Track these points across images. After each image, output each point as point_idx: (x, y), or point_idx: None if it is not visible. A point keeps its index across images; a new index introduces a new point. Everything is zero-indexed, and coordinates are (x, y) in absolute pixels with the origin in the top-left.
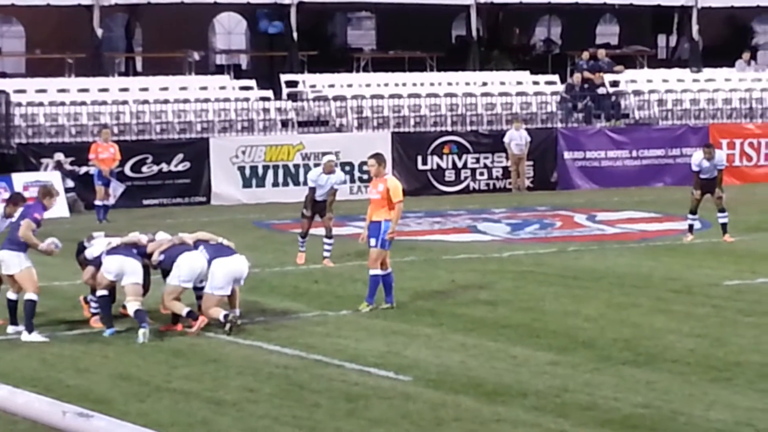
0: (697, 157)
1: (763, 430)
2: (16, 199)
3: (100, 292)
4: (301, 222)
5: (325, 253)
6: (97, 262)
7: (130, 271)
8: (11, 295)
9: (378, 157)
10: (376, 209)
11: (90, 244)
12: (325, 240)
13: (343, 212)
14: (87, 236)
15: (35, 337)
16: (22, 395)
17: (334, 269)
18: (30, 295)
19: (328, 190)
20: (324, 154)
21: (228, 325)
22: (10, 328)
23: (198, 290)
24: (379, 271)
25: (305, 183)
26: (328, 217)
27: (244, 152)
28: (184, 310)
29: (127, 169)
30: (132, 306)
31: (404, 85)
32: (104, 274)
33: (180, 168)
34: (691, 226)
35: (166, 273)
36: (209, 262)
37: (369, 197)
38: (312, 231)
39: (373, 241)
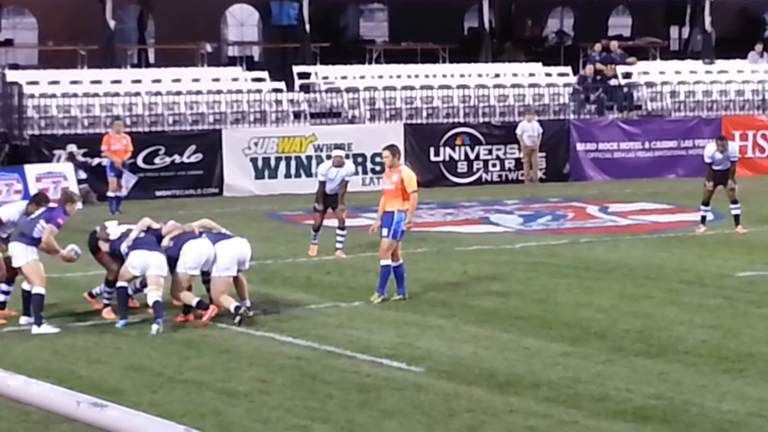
0: (710, 149)
1: None
2: (39, 200)
3: (120, 284)
4: (314, 215)
5: (338, 245)
6: (114, 249)
7: (155, 264)
8: (26, 286)
9: (392, 148)
10: (390, 200)
11: (105, 233)
12: (338, 231)
13: (355, 203)
14: (100, 226)
15: (45, 329)
16: (36, 385)
17: (347, 260)
18: (37, 289)
19: (338, 183)
20: (336, 146)
21: (238, 318)
22: (23, 319)
23: (205, 276)
24: (389, 262)
25: (317, 175)
26: (340, 208)
27: (256, 144)
28: (194, 300)
29: (139, 161)
30: (152, 296)
31: (417, 76)
32: (129, 269)
33: (192, 159)
34: (703, 218)
35: (171, 261)
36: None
37: (382, 188)
38: (325, 222)
39: (385, 231)
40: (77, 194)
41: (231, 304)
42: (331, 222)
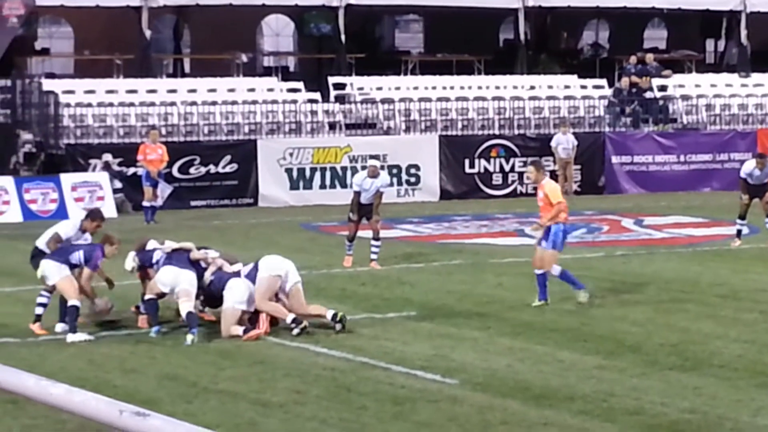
0: (748, 166)
1: None
2: (94, 216)
3: (148, 296)
4: (348, 226)
5: (373, 256)
6: (145, 262)
7: (185, 280)
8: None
9: (536, 164)
10: (544, 213)
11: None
12: (373, 242)
13: (390, 215)
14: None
15: (79, 336)
16: (78, 394)
17: (381, 272)
18: (73, 302)
19: (373, 193)
20: (372, 156)
21: (297, 331)
22: (59, 326)
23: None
24: (559, 268)
25: (352, 185)
26: (375, 219)
27: (291, 154)
28: (240, 330)
29: (174, 171)
30: (184, 307)
31: (452, 88)
32: (158, 284)
33: (228, 169)
34: (739, 231)
35: (209, 295)
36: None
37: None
38: (360, 234)
39: (543, 243)
40: (116, 238)
41: (288, 316)
42: (366, 233)
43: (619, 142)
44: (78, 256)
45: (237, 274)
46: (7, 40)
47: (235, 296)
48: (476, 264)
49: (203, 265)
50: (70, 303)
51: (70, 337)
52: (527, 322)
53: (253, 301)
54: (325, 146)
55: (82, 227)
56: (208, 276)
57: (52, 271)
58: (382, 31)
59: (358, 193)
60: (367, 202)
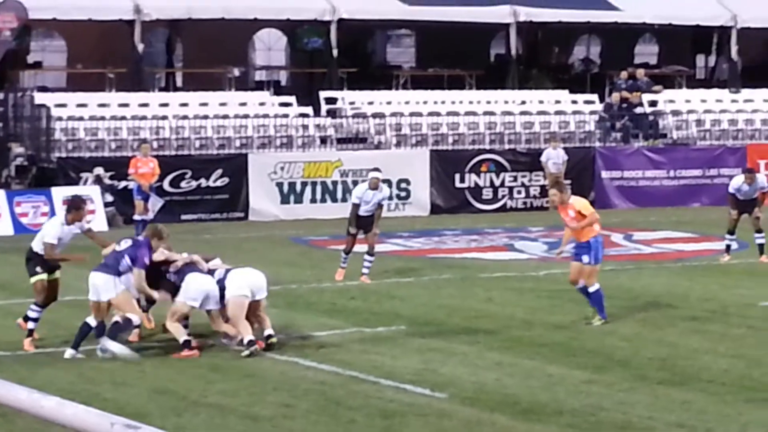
0: (736, 182)
1: None
2: (74, 205)
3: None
4: (346, 239)
5: (364, 270)
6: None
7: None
8: (91, 321)
9: (558, 185)
10: (578, 231)
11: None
12: (366, 257)
13: (380, 229)
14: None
15: (122, 348)
16: (70, 406)
17: (371, 286)
18: (134, 319)
19: (373, 205)
20: (365, 170)
21: (247, 352)
22: (68, 353)
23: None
24: (598, 286)
25: (343, 200)
26: (373, 233)
27: (282, 168)
28: (182, 337)
29: (166, 184)
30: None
31: (443, 102)
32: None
33: (219, 183)
34: (728, 246)
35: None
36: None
37: (566, 223)
38: (364, 247)
39: (586, 258)
40: (166, 231)
41: (246, 335)
42: (360, 247)
43: (610, 157)
44: (126, 263)
45: (211, 273)
46: (0, 53)
47: (189, 292)
48: (466, 278)
49: (167, 267)
50: (130, 317)
51: (113, 346)
52: (516, 337)
53: (211, 301)
54: (316, 160)
55: (67, 221)
56: (171, 271)
57: (107, 286)
58: (374, 46)
59: (357, 206)
60: (366, 214)
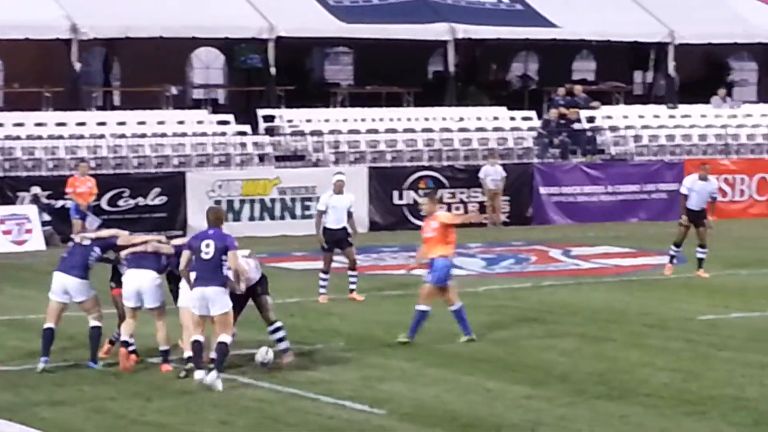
0: (689, 180)
1: None
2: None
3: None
4: (323, 257)
5: (351, 286)
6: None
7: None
8: (199, 337)
9: (431, 195)
10: (431, 247)
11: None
12: (350, 272)
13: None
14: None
15: (213, 379)
16: (8, 426)
17: (309, 303)
18: (225, 338)
19: (341, 213)
20: (303, 188)
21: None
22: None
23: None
24: (425, 307)
25: (282, 217)
26: (350, 250)
27: (220, 186)
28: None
29: (103, 203)
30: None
31: (381, 120)
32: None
33: (157, 202)
34: (672, 257)
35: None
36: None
37: (423, 236)
38: (289, 265)
39: (429, 277)
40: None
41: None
42: (305, 264)
43: (548, 173)
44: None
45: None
46: None
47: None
48: (404, 295)
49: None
50: (221, 339)
51: (211, 380)
52: (455, 353)
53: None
54: (255, 178)
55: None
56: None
57: (219, 298)
58: (312, 64)
59: (322, 213)
60: (336, 226)
